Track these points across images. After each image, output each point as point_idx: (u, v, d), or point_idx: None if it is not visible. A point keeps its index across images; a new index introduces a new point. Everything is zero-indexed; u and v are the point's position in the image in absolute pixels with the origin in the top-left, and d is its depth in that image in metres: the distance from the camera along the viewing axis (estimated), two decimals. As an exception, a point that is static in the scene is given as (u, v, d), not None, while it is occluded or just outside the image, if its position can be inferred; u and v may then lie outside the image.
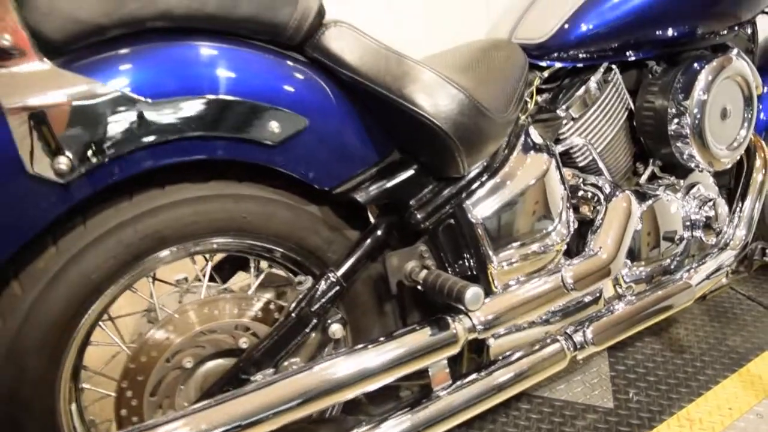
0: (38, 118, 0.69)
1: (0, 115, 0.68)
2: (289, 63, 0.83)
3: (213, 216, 0.86)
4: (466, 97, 0.91)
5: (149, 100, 0.74)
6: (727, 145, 1.26)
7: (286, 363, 0.92)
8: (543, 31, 1.14)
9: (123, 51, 0.74)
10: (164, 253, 0.85)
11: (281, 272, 1.02)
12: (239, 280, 1.16)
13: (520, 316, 0.99)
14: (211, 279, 1.03)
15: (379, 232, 0.95)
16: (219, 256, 1.12)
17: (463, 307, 0.87)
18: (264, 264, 1.03)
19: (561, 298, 1.03)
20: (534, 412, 1.33)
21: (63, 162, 0.70)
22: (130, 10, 0.72)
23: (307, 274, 0.97)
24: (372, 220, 1.00)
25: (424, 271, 0.94)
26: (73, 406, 0.89)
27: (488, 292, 1.01)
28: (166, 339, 0.88)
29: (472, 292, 0.86)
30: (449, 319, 0.93)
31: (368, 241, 0.94)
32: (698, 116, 1.17)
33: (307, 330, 0.90)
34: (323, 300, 0.90)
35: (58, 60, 0.71)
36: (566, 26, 1.14)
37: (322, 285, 0.90)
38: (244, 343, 0.91)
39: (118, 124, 0.73)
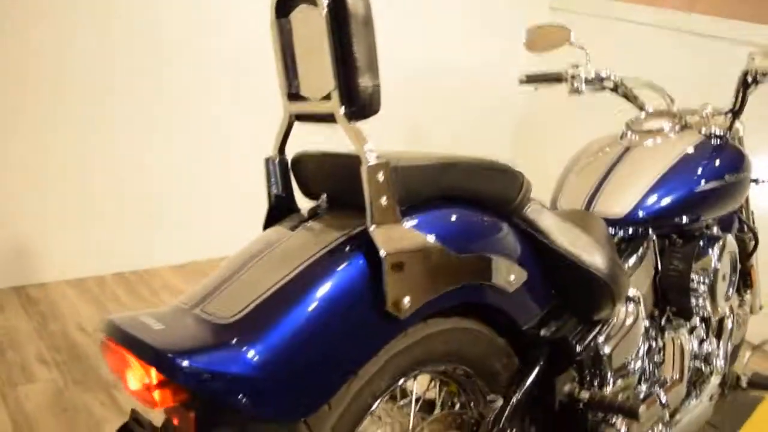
0: (398, 265, 0.87)
1: (377, 261, 0.86)
2: (514, 229, 1.09)
3: (449, 345, 1.05)
4: (615, 260, 1.21)
5: (456, 254, 0.95)
6: (723, 300, 1.69)
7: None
8: (618, 211, 1.51)
9: (434, 215, 0.97)
10: (415, 372, 1.02)
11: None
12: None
13: None
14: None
15: (541, 361, 1.19)
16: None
17: (635, 420, 1.14)
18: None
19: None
20: None
21: (407, 302, 0.88)
22: (436, 187, 0.98)
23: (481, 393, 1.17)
24: None
25: (586, 392, 1.19)
26: None
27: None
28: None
29: (644, 407, 1.13)
30: None
31: (536, 368, 1.17)
32: (713, 278, 1.59)
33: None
34: (512, 415, 1.11)
35: (405, 219, 0.92)
36: (634, 210, 1.51)
37: (513, 402, 1.12)
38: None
39: (438, 270, 0.93)
